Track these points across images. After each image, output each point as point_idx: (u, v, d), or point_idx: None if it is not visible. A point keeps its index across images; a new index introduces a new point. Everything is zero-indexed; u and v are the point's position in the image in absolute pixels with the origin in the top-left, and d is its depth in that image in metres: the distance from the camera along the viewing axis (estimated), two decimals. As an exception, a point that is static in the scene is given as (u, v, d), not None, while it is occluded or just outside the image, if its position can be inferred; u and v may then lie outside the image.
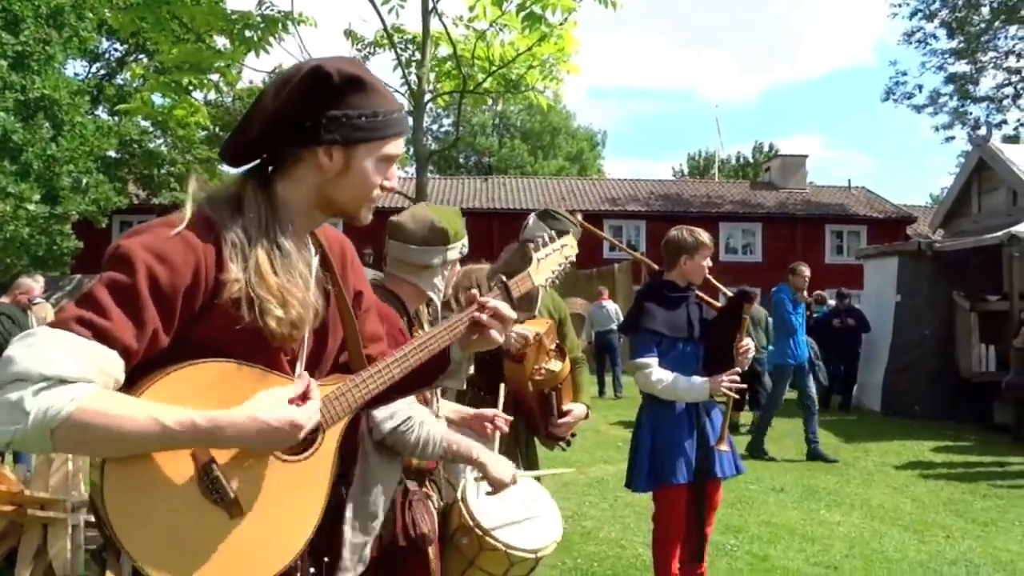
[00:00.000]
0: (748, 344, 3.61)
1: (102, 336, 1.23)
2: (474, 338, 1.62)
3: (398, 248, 2.34)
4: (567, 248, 1.82)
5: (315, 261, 1.51)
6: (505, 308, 1.61)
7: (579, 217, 3.96)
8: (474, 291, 1.64)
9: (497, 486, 2.35)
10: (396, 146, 1.47)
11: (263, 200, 1.41)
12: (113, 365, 1.23)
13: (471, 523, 2.39)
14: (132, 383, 1.28)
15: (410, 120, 6.87)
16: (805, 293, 8.58)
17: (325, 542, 1.70)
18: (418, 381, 1.61)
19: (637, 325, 3.75)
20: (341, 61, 1.44)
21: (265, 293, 1.35)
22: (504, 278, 1.67)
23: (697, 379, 3.60)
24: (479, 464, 2.32)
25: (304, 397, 1.36)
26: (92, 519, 4.99)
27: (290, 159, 1.44)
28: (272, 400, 1.32)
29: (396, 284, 2.35)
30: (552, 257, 1.80)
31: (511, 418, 2.74)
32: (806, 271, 8.47)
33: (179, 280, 1.29)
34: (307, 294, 1.42)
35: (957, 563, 4.99)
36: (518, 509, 2.53)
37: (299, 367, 1.48)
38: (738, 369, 3.58)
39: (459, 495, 2.45)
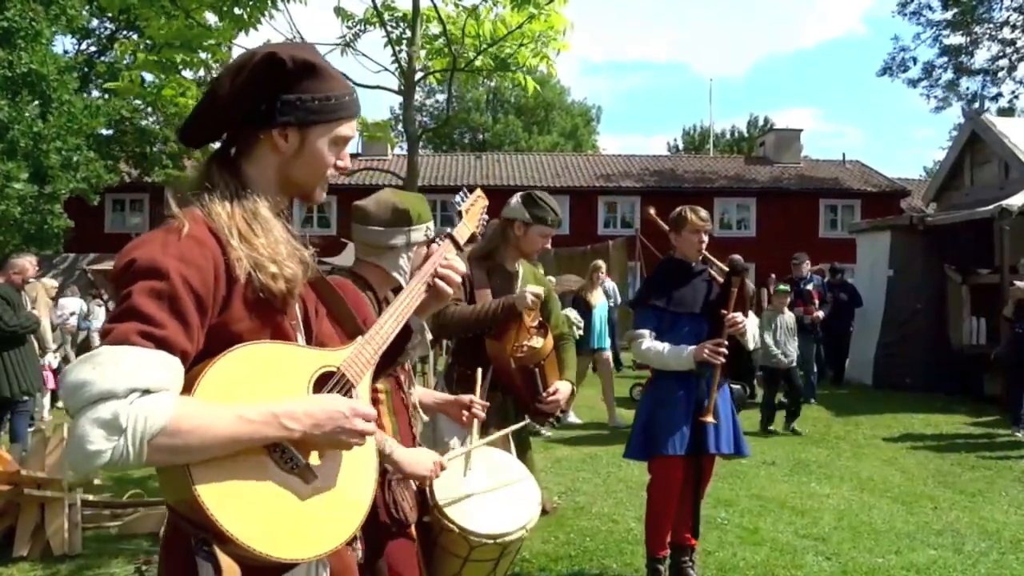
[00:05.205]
0: (734, 317, 3.69)
1: (163, 345, 1.27)
2: (430, 299, 1.78)
3: (363, 231, 2.44)
4: (480, 200, 2.05)
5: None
6: (456, 263, 1.79)
7: (652, 211, 4.31)
8: (434, 246, 1.85)
9: (416, 478, 2.23)
10: (348, 128, 1.55)
11: (229, 176, 1.48)
12: (179, 372, 1.28)
13: (431, 501, 2.36)
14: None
15: (401, 99, 6.84)
16: None
17: None
18: (389, 355, 1.67)
19: (639, 299, 3.98)
20: (294, 48, 1.53)
21: (255, 254, 1.41)
22: (449, 230, 1.87)
23: (683, 347, 3.71)
24: (389, 459, 2.17)
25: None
26: (89, 498, 5.04)
27: (249, 140, 1.51)
28: (333, 397, 1.43)
29: (364, 268, 2.44)
30: (476, 205, 2.02)
31: (487, 404, 2.76)
32: None
33: (207, 278, 1.34)
34: (293, 251, 1.48)
35: (944, 533, 5.07)
36: (490, 492, 2.40)
37: (300, 337, 1.55)
38: (722, 340, 3.67)
39: None
